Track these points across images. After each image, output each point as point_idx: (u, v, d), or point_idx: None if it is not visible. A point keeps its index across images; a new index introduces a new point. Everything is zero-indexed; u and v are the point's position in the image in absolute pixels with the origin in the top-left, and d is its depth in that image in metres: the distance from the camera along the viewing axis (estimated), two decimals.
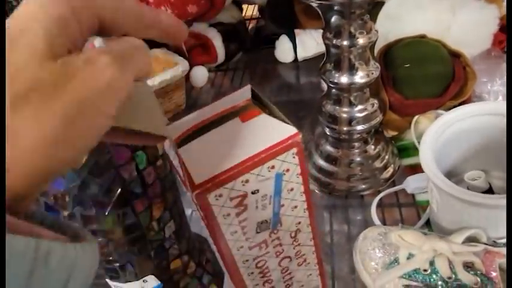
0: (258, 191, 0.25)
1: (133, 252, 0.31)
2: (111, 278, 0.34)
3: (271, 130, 0.25)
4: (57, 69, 0.14)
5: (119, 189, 0.27)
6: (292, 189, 0.26)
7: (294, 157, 0.25)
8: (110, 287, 0.36)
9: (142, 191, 0.29)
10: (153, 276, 0.34)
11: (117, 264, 0.32)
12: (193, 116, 0.27)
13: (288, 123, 0.25)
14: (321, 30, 0.74)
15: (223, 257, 0.28)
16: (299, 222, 0.29)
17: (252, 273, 0.30)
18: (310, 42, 0.75)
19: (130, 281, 0.34)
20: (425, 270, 0.33)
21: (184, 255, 0.37)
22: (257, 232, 0.27)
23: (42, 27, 0.14)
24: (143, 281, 0.34)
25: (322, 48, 0.60)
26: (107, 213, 0.28)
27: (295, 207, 0.28)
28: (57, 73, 0.14)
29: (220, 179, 0.23)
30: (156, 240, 0.32)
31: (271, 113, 0.26)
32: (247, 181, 0.24)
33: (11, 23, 0.14)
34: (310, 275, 0.35)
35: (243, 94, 0.27)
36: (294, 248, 0.30)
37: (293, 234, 0.29)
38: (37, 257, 0.12)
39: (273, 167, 0.24)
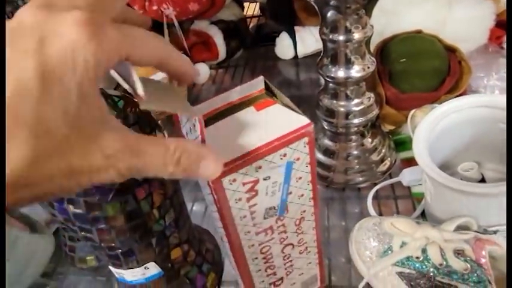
0: (269, 177, 0.26)
1: (135, 240, 0.32)
2: (114, 265, 0.36)
3: (284, 119, 0.25)
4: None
5: None
6: (300, 178, 0.27)
7: (305, 146, 0.26)
8: (113, 274, 0.38)
9: (144, 178, 0.30)
10: (154, 264, 0.36)
11: (120, 251, 0.33)
12: (205, 105, 0.28)
13: (300, 114, 0.26)
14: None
15: (230, 241, 0.29)
16: (304, 211, 0.30)
17: (256, 258, 0.32)
18: (309, 39, 0.76)
19: (132, 268, 0.35)
20: (417, 258, 0.34)
21: (184, 244, 0.38)
22: (265, 218, 0.28)
23: (80, 76, 0.15)
24: (145, 267, 0.35)
25: (321, 45, 0.61)
26: (109, 200, 0.29)
27: (302, 195, 0.29)
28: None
29: (235, 164, 0.24)
30: (157, 227, 0.33)
31: (284, 104, 0.27)
32: (260, 167, 0.25)
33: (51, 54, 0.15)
34: (310, 263, 0.36)
35: (256, 85, 0.28)
36: (297, 236, 0.32)
37: (297, 222, 0.31)
38: (9, 240, 0.14)
39: (285, 155, 0.25)
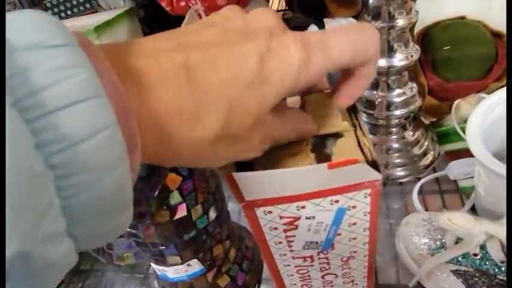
0: (313, 217, 0.23)
1: (179, 235, 0.32)
2: (156, 262, 0.35)
3: (351, 171, 0.20)
4: None
5: (168, 172, 0.28)
6: (355, 224, 0.24)
7: (365, 197, 0.22)
8: (152, 272, 0.37)
9: (189, 173, 0.29)
10: (196, 260, 0.35)
11: (163, 248, 0.33)
12: None
13: (374, 165, 0.20)
14: (351, 19, 0.73)
15: (264, 256, 0.27)
16: (355, 251, 0.27)
17: (292, 275, 0.29)
18: None
19: (175, 265, 0.35)
20: (475, 255, 0.32)
21: (226, 240, 0.37)
22: (304, 248, 0.26)
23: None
24: (187, 265, 0.35)
25: None
26: (155, 195, 0.28)
27: (354, 238, 0.25)
28: None
29: (273, 199, 0.21)
30: (200, 223, 0.33)
31: (358, 132, 0.23)
32: (303, 207, 0.22)
33: None
34: None
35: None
36: (342, 270, 0.29)
37: (345, 259, 0.27)
38: None
39: (337, 201, 0.22)
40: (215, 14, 0.19)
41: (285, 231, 0.24)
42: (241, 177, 0.19)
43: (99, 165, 0.12)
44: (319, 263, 0.27)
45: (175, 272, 0.35)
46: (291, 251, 0.26)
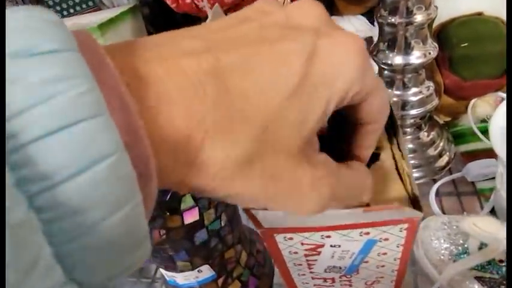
0: (339, 246, 0.21)
1: (190, 240, 0.30)
2: (166, 268, 0.34)
3: (387, 214, 0.18)
4: None
5: None
6: (385, 254, 0.22)
7: (401, 231, 0.19)
8: (159, 277, 0.36)
9: None
10: (207, 266, 0.33)
11: (173, 253, 0.31)
12: None
13: (414, 201, 0.18)
14: (360, 16, 0.71)
15: (280, 273, 0.25)
16: (382, 277, 0.25)
17: None
18: (348, 29, 0.72)
19: (184, 271, 0.33)
20: (501, 261, 0.31)
21: (237, 244, 0.36)
22: (326, 272, 0.24)
23: None
24: (198, 271, 0.33)
25: (361, 35, 0.57)
26: (167, 199, 0.27)
27: (383, 266, 0.23)
28: None
29: (294, 228, 0.19)
30: (213, 227, 0.31)
31: (395, 150, 0.20)
32: (328, 236, 0.20)
33: None
34: None
35: None
36: None
37: (369, 283, 0.25)
38: None
39: (367, 233, 0.20)
40: (248, 7, 0.16)
41: (307, 256, 0.22)
42: (263, 213, 0.17)
43: (99, 204, 0.10)
44: (341, 285, 0.26)
45: (185, 278, 0.34)
46: (311, 272, 0.24)
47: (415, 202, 0.18)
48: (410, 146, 0.47)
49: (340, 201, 0.16)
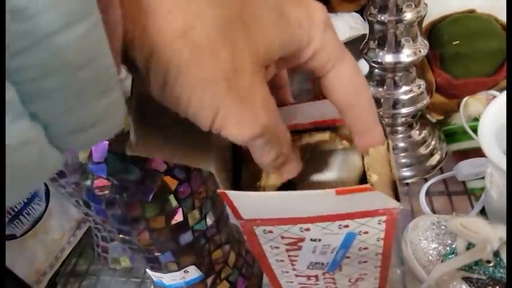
0: (319, 240, 0.21)
1: (175, 241, 0.30)
2: (152, 269, 0.33)
3: (367, 198, 0.17)
4: None
5: (163, 175, 0.26)
6: (366, 248, 0.22)
7: (379, 223, 0.20)
8: (148, 276, 0.36)
9: (186, 176, 0.28)
10: (194, 267, 0.33)
11: (158, 254, 0.31)
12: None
13: (393, 187, 0.19)
14: (355, 14, 0.70)
15: (265, 271, 0.25)
16: (365, 274, 0.25)
17: None
18: (342, 27, 0.72)
19: (171, 272, 0.33)
20: (488, 262, 0.31)
21: (225, 245, 0.35)
22: (308, 268, 0.24)
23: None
24: (184, 271, 0.33)
25: (355, 32, 0.57)
26: (150, 200, 0.26)
27: (365, 262, 0.23)
28: None
29: (273, 220, 0.19)
30: (198, 228, 0.31)
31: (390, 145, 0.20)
32: (307, 229, 0.20)
33: None
34: None
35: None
36: None
37: (353, 280, 0.25)
38: None
39: (346, 226, 0.20)
40: None
41: (288, 250, 0.22)
42: (237, 196, 0.17)
43: (48, 10, 0.09)
44: (325, 283, 0.26)
45: (172, 278, 0.34)
46: (294, 269, 0.24)
47: (395, 190, 0.18)
48: (402, 144, 0.47)
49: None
